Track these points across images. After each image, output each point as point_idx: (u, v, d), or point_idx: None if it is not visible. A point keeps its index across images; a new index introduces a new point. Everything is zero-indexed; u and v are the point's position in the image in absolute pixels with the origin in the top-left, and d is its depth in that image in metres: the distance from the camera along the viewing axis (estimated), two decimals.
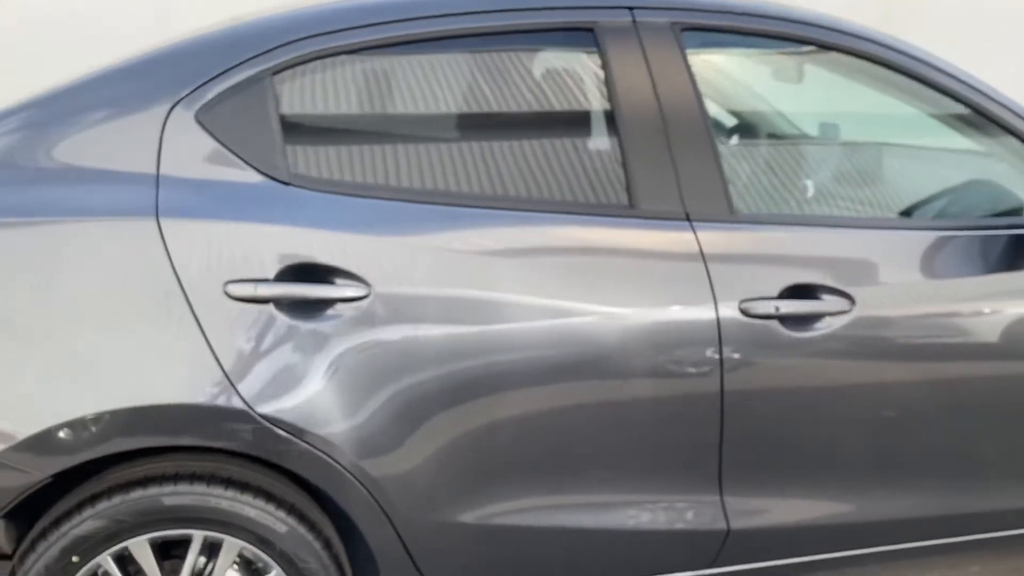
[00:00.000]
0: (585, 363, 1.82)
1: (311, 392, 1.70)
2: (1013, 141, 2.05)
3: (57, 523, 1.69)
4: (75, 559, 1.69)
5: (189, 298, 1.66)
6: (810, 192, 2.15)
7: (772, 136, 2.41)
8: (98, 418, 1.62)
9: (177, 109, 1.74)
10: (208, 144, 1.74)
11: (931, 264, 1.98)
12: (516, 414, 1.81)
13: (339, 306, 1.71)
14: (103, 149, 1.71)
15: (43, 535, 1.69)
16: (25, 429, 1.60)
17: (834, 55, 2.04)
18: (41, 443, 1.61)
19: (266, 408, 1.68)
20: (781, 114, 2.36)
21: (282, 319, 1.69)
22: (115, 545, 1.70)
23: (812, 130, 2.33)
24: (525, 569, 1.93)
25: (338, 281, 1.71)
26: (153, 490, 1.71)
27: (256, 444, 1.70)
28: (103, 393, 1.63)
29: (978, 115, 2.04)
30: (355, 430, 1.73)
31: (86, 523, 1.68)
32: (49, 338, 1.62)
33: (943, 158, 2.17)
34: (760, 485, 1.96)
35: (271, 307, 1.69)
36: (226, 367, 1.66)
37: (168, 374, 1.65)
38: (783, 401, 1.93)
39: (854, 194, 2.20)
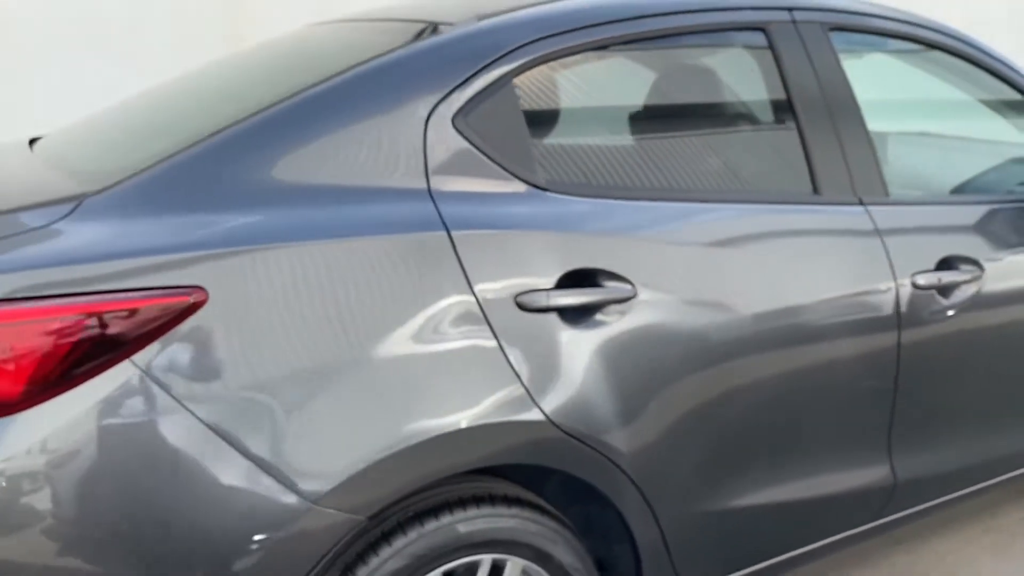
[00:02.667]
0: (802, 341, 1.93)
1: (591, 396, 1.68)
2: None
3: (350, 570, 1.55)
4: None
5: (486, 313, 1.58)
6: (925, 174, 2.40)
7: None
8: (418, 447, 1.50)
9: (434, 117, 1.64)
10: (468, 152, 1.65)
11: None
12: (755, 395, 1.88)
13: (609, 308, 1.70)
14: (367, 162, 1.58)
15: None
16: (346, 469, 1.45)
17: (938, 54, 2.29)
18: (361, 483, 1.46)
19: (561, 418, 1.64)
20: (886, 105, 2.59)
21: (563, 327, 1.66)
22: None
23: (918, 120, 2.58)
24: (746, 548, 2.01)
25: (606, 284, 1.70)
26: (446, 519, 1.62)
27: (555, 456, 1.66)
28: (422, 419, 1.51)
29: None
30: (627, 430, 1.72)
31: (387, 565, 1.56)
32: (365, 366, 1.48)
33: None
34: (922, 439, 2.19)
35: (554, 316, 1.65)
36: (524, 381, 1.60)
37: (480, 393, 1.56)
38: (941, 361, 2.16)
39: (952, 174, 2.49)
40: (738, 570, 2.01)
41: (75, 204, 1.44)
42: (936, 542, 2.76)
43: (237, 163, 1.51)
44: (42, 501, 1.33)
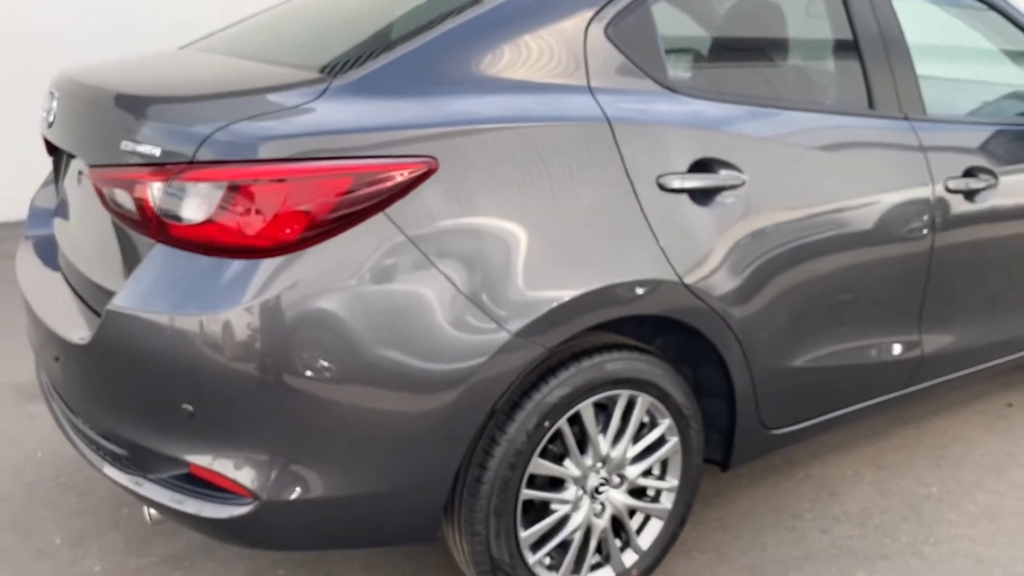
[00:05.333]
0: (864, 231, 2.32)
1: (710, 264, 2.04)
2: None
3: (526, 394, 1.91)
4: (546, 424, 1.93)
5: (636, 190, 1.94)
6: (952, 98, 2.82)
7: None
8: (589, 295, 1.84)
9: (592, 27, 1.98)
10: (617, 57, 2.00)
11: None
12: (827, 273, 2.27)
13: (725, 192, 2.07)
14: (544, 62, 1.91)
15: (517, 406, 1.90)
16: (537, 309, 1.79)
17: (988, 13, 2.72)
18: (547, 320, 1.81)
19: (689, 279, 2.00)
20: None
21: (691, 205, 2.02)
22: (570, 410, 1.97)
23: (956, 59, 2.98)
24: (811, 403, 2.43)
25: (722, 172, 2.07)
26: (598, 358, 1.99)
27: (682, 311, 2.03)
28: (593, 272, 1.85)
29: None
30: (734, 294, 2.10)
31: (554, 392, 1.93)
32: (549, 227, 1.81)
33: None
34: (943, 320, 2.63)
35: (685, 196, 2.02)
36: (663, 247, 1.96)
37: (633, 255, 1.92)
38: (963, 254, 2.59)
39: (976, 100, 2.91)
40: (804, 421, 2.43)
41: (323, 88, 1.75)
42: (937, 421, 3.24)
43: (449, 56, 1.83)
44: (307, 326, 1.66)
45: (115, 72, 2.07)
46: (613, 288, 1.89)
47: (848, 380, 2.49)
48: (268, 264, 1.64)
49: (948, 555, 2.46)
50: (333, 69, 1.84)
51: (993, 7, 2.77)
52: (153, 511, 1.90)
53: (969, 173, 2.57)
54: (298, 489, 1.73)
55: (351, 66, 1.82)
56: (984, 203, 2.59)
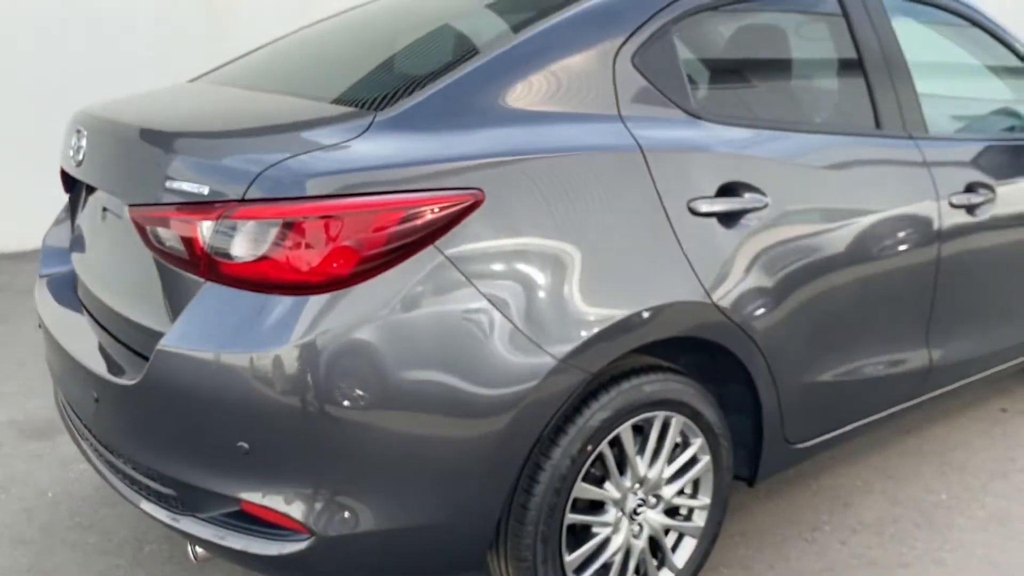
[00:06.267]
0: (878, 247, 2.39)
1: (737, 284, 2.09)
2: None
3: (569, 419, 1.93)
4: (589, 448, 1.96)
5: (669, 216, 1.97)
6: (947, 115, 2.91)
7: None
8: (629, 318, 1.87)
9: (619, 56, 2.02)
10: (644, 86, 2.04)
11: None
12: (844, 289, 2.33)
13: (750, 215, 2.12)
14: (576, 92, 1.94)
15: (560, 431, 1.92)
16: (582, 334, 1.81)
17: (975, 30, 2.82)
18: (592, 344, 1.83)
19: (719, 300, 2.04)
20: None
21: (719, 228, 2.07)
22: (611, 433, 1.99)
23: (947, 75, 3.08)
24: (832, 415, 2.48)
25: (747, 195, 2.12)
26: (636, 381, 2.02)
27: (713, 331, 2.07)
28: (634, 297, 1.88)
29: None
30: (760, 313, 2.15)
31: (596, 416, 1.95)
32: (591, 253, 1.84)
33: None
34: (949, 330, 2.70)
35: (714, 220, 2.06)
36: (696, 270, 2.01)
37: (669, 279, 1.96)
38: (967, 264, 2.67)
39: (968, 117, 3.01)
40: (823, 434, 2.48)
41: (368, 122, 1.77)
42: (936, 428, 3.32)
43: (486, 89, 1.86)
44: (367, 360, 1.66)
45: (147, 109, 2.07)
46: (652, 311, 1.92)
47: (864, 392, 2.55)
48: (321, 299, 1.64)
49: (965, 561, 2.52)
50: (372, 103, 1.86)
51: (976, 24, 2.87)
52: (200, 550, 1.89)
53: (970, 188, 2.65)
54: (354, 523, 1.73)
55: (392, 100, 1.84)
56: (983, 216, 2.68)
